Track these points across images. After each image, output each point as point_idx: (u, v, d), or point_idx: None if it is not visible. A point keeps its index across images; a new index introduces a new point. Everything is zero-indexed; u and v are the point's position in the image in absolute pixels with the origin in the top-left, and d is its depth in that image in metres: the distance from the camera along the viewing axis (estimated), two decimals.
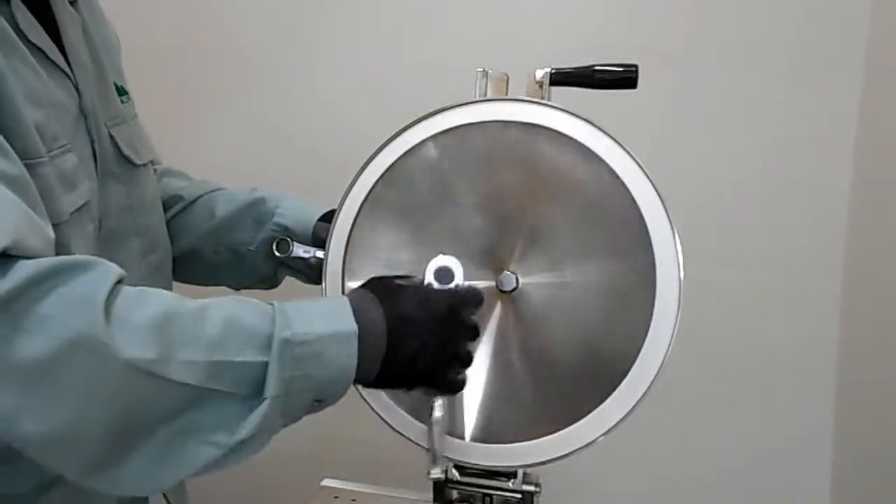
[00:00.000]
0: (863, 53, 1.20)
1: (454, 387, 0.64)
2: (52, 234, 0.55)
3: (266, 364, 0.53)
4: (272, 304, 0.57)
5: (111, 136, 0.73)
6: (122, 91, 0.79)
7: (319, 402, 0.58)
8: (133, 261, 0.75)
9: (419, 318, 0.61)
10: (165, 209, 0.88)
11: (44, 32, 0.65)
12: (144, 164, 0.79)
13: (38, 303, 0.47)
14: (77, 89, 0.69)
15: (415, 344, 0.60)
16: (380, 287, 0.63)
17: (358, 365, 0.57)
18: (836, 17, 1.21)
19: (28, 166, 0.57)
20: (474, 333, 0.64)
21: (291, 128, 1.41)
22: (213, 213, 0.90)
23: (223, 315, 0.54)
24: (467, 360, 0.64)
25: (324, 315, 0.57)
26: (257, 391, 0.54)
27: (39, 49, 0.64)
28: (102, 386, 0.49)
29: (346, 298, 0.60)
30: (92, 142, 0.69)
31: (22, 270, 0.47)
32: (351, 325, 0.57)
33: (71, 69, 0.68)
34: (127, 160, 0.75)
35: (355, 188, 0.72)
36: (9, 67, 0.58)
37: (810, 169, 1.25)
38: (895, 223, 1.15)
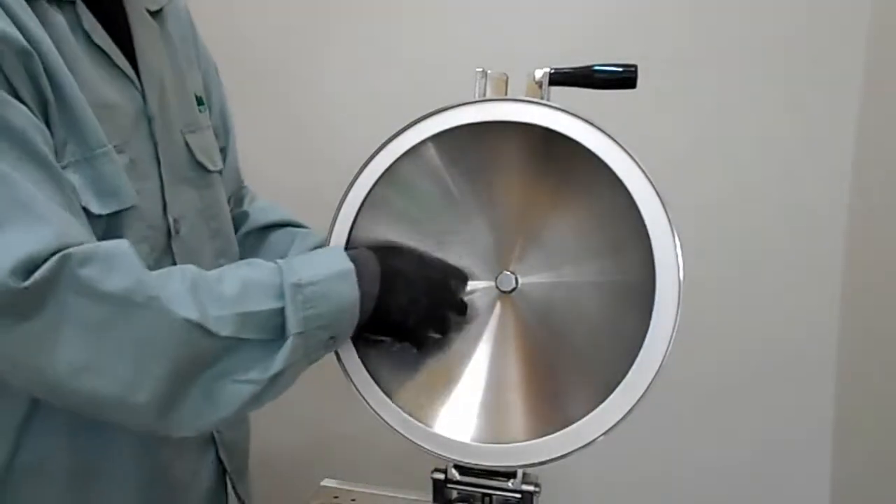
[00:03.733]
0: (863, 53, 1.20)
1: (426, 344, 0.72)
2: (87, 226, 0.61)
3: (283, 309, 0.62)
4: (276, 261, 0.65)
5: (186, 143, 0.77)
6: (200, 101, 0.83)
7: (333, 339, 0.66)
8: (207, 264, 0.76)
9: (412, 275, 0.69)
10: (234, 225, 0.89)
11: (107, 36, 0.68)
12: (217, 171, 0.83)
13: (84, 274, 0.55)
14: (143, 94, 0.71)
15: (406, 296, 0.68)
16: (378, 246, 0.71)
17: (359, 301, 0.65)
18: (835, 18, 1.21)
19: (75, 161, 0.62)
20: (462, 308, 0.73)
21: (290, 128, 1.42)
22: (286, 253, 0.88)
23: (238, 276, 0.63)
24: (447, 328, 0.72)
25: (324, 260, 0.66)
26: (280, 333, 0.62)
27: (102, 50, 0.67)
28: (160, 339, 0.58)
29: (341, 246, 0.70)
30: (155, 145, 0.72)
31: (64, 256, 0.55)
32: (347, 265, 0.65)
33: (137, 74, 0.71)
34: (200, 166, 0.79)
35: (355, 188, 0.72)
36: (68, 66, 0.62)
37: (810, 169, 1.25)
38: (895, 223, 1.15)
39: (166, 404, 0.59)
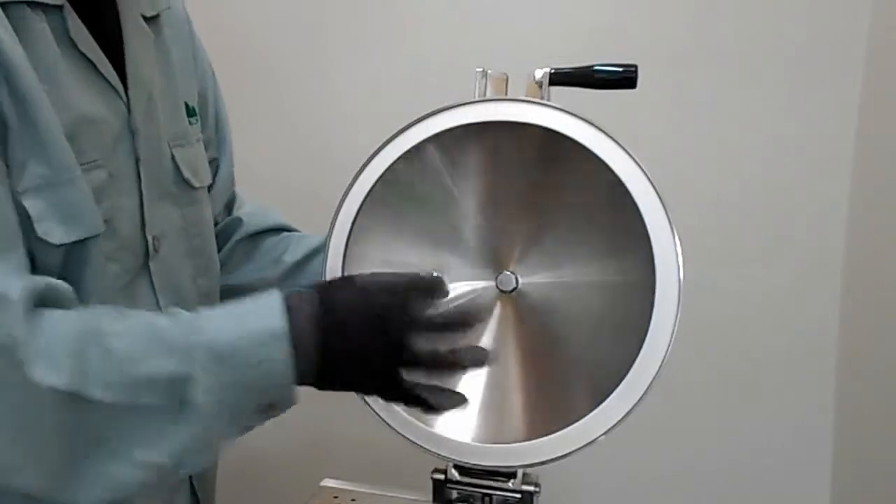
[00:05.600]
0: (863, 53, 1.20)
1: (409, 395, 0.57)
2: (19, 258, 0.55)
3: (188, 373, 0.52)
4: (198, 312, 0.57)
5: (173, 157, 0.73)
6: (191, 112, 0.78)
7: (270, 406, 0.57)
8: (185, 284, 0.75)
9: (354, 311, 0.56)
10: (225, 233, 0.87)
11: (94, 43, 0.64)
12: (203, 187, 0.78)
13: None
14: (128, 106, 0.67)
15: (348, 341, 0.55)
16: (331, 280, 0.63)
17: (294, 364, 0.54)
18: (836, 17, 1.21)
19: (36, 186, 0.57)
20: (424, 325, 0.56)
21: (290, 127, 1.42)
22: (281, 258, 0.84)
23: (141, 327, 0.54)
24: (415, 361, 0.56)
25: (248, 315, 0.55)
26: (182, 403, 0.52)
27: (87, 59, 0.63)
28: (31, 411, 0.50)
29: (279, 295, 0.56)
30: (137, 160, 0.68)
31: None
32: (277, 323, 0.54)
33: (125, 85, 0.67)
34: (185, 182, 0.75)
35: (355, 188, 0.72)
36: (43, 77, 0.57)
37: (810, 169, 1.25)
38: (895, 223, 1.15)
39: (62, 486, 0.51)
